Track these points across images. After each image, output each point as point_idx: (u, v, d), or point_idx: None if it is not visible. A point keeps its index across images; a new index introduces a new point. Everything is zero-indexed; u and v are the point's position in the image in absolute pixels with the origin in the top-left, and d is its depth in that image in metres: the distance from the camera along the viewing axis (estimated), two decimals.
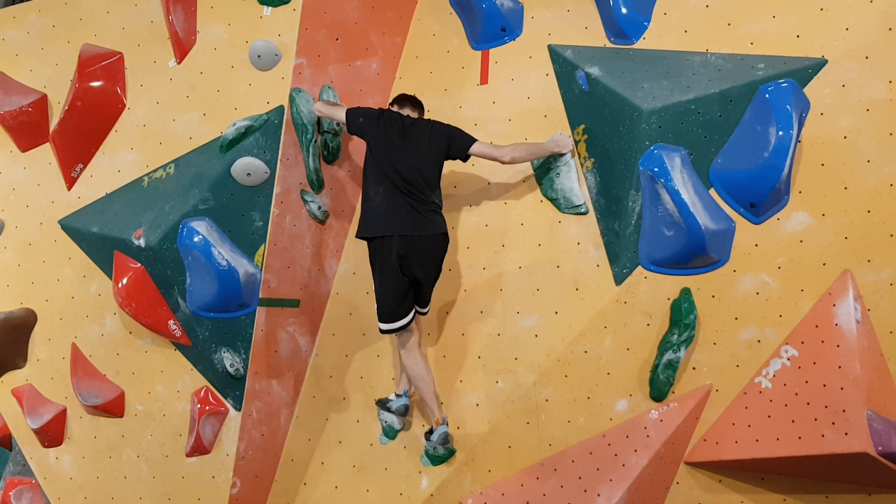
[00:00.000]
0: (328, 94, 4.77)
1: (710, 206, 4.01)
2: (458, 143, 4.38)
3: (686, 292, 4.09)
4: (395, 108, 4.55)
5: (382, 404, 4.60)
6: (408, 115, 4.49)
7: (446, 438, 4.41)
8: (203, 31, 4.91)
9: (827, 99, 3.97)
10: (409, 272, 4.25)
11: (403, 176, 4.24)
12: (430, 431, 4.48)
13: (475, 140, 4.38)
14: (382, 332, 4.36)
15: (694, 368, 4.13)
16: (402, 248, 4.20)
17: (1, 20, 5.67)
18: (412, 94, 4.63)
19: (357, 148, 4.90)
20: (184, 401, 4.96)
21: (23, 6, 5.71)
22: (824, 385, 3.81)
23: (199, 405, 4.85)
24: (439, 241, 4.31)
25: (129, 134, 5.12)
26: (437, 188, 4.39)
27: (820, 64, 3.99)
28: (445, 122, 4.78)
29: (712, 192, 4.07)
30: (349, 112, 4.44)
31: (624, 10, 4.39)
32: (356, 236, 4.42)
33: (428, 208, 4.28)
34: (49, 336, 5.41)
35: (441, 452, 4.54)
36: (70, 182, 5.29)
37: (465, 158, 4.44)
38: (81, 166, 5.26)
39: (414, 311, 4.38)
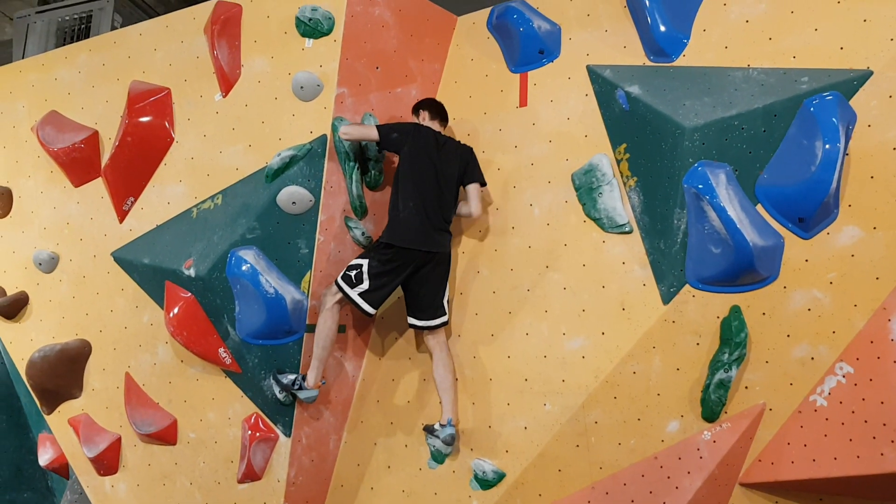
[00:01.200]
0: (369, 122, 4.83)
1: (757, 222, 3.95)
2: (469, 174, 4.67)
3: (736, 310, 4.03)
4: (424, 119, 4.73)
5: (430, 430, 4.62)
6: (438, 132, 4.66)
7: (313, 398, 4.64)
8: (247, 64, 5.01)
9: (874, 110, 3.90)
10: (412, 283, 4.57)
11: (435, 195, 4.53)
12: (303, 378, 4.63)
13: (478, 182, 4.66)
14: (342, 291, 4.52)
15: (746, 388, 4.06)
16: (421, 261, 4.52)
17: (53, 60, 5.87)
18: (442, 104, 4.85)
19: None
20: (235, 428, 5.01)
21: (74, 46, 5.91)
22: (882, 402, 3.71)
23: (249, 432, 4.89)
24: (448, 259, 4.67)
25: (177, 167, 5.24)
26: (455, 207, 4.71)
27: (865, 75, 3.93)
28: (486, 145, 4.84)
29: (759, 207, 4.02)
30: (381, 129, 4.58)
31: (662, 28, 4.38)
32: (383, 241, 4.54)
33: (443, 227, 4.62)
34: (103, 366, 5.52)
35: (288, 400, 4.76)
36: (122, 215, 5.42)
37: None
38: (132, 199, 5.38)
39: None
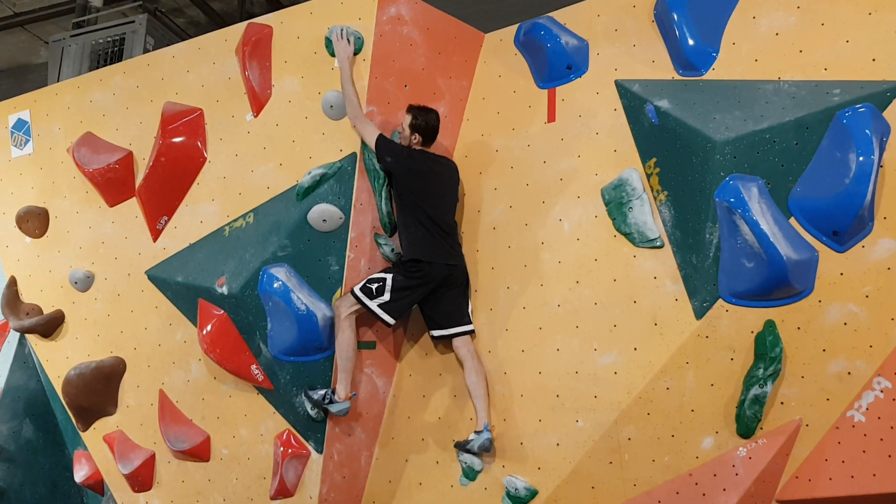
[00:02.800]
0: (397, 138, 4.87)
1: (790, 236, 3.92)
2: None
3: (770, 324, 3.99)
4: (416, 141, 4.68)
5: (462, 446, 4.60)
6: (428, 152, 4.74)
7: (345, 411, 4.67)
8: (277, 84, 5.08)
9: None
10: (431, 299, 4.67)
11: (442, 213, 4.68)
12: (333, 392, 4.68)
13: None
14: (360, 302, 4.61)
15: (782, 403, 4.01)
16: (444, 276, 4.61)
17: (88, 83, 5.98)
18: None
19: None
20: (267, 444, 5.04)
21: (108, 69, 6.02)
22: None
23: (281, 448, 4.92)
24: (465, 272, 4.80)
25: (210, 186, 5.31)
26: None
27: None
28: (515, 161, 4.86)
29: (792, 221, 3.98)
30: (379, 144, 4.62)
31: (691, 42, 4.37)
32: (406, 259, 4.63)
33: (457, 242, 4.78)
34: (138, 383, 5.59)
35: (320, 417, 4.82)
36: (155, 234, 5.49)
37: None
38: (166, 219, 5.46)
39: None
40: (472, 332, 4.74)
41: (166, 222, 5.46)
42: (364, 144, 4.72)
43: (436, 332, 4.74)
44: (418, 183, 4.64)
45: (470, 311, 4.78)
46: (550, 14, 4.89)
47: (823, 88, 4.01)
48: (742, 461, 4.02)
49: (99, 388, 5.66)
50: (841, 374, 3.91)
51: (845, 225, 3.85)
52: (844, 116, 3.84)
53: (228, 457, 5.22)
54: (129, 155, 5.61)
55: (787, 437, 3.97)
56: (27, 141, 6.13)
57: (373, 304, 4.58)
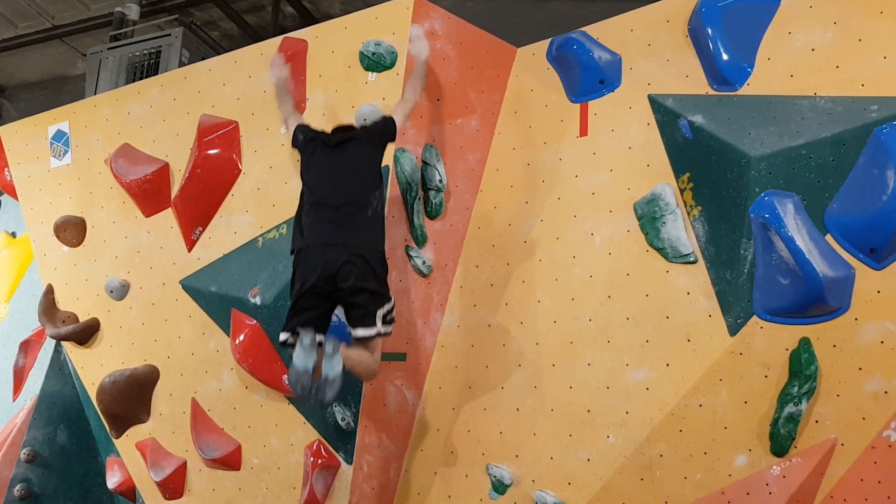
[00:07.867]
0: (430, 153, 4.89)
1: (826, 253, 3.87)
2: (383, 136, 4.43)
3: (805, 342, 3.94)
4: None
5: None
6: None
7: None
8: (312, 97, 5.13)
9: None
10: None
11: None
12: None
13: (393, 119, 4.44)
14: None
15: (817, 422, 3.95)
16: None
17: (126, 95, 6.09)
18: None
19: (457, 204, 4.99)
20: (297, 454, 5.07)
21: (146, 82, 6.13)
22: None
23: (311, 458, 4.95)
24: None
25: (244, 197, 5.37)
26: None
27: None
28: (546, 174, 4.86)
29: (828, 238, 3.94)
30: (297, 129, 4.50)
31: (725, 57, 4.35)
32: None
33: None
34: (170, 391, 5.65)
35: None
36: (190, 244, 5.57)
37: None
38: (201, 229, 5.53)
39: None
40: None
41: (201, 233, 5.53)
42: (396, 158, 4.76)
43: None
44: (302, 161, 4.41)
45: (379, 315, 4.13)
46: (583, 29, 4.91)
47: (861, 104, 3.97)
48: (776, 480, 3.98)
49: (132, 396, 5.73)
50: (877, 393, 3.85)
51: (883, 242, 3.80)
52: (882, 132, 3.80)
53: (259, 466, 5.26)
54: (166, 166, 5.70)
55: (822, 456, 3.92)
56: (66, 152, 6.26)
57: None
